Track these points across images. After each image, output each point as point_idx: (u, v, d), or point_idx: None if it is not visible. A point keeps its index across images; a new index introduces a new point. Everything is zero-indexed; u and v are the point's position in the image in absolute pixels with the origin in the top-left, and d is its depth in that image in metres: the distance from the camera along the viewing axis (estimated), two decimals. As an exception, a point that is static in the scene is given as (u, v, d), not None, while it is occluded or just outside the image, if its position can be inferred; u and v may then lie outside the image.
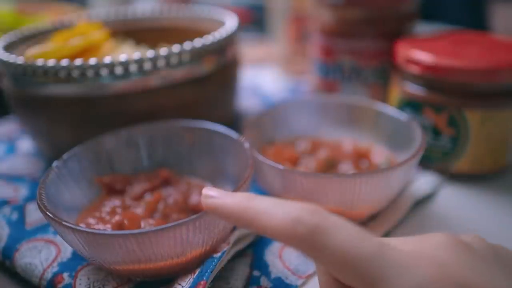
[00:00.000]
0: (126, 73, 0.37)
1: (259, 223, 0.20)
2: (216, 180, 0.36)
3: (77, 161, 0.33)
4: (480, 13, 0.78)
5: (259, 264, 0.31)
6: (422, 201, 0.38)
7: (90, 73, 0.36)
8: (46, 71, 0.37)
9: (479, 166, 0.39)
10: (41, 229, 0.34)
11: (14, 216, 0.36)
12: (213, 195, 0.23)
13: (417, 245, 0.19)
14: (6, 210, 0.36)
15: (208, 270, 0.27)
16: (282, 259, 0.31)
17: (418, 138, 0.34)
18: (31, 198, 0.38)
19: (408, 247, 0.19)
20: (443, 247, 0.19)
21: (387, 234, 0.34)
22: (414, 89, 0.40)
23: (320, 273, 0.23)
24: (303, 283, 0.29)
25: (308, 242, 0.19)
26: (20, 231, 0.34)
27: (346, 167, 0.37)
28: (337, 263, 0.18)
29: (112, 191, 0.34)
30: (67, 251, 0.32)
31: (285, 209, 0.20)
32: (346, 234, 0.18)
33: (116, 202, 0.33)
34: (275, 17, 0.66)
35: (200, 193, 0.33)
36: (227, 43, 0.43)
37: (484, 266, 0.18)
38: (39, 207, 0.27)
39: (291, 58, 0.64)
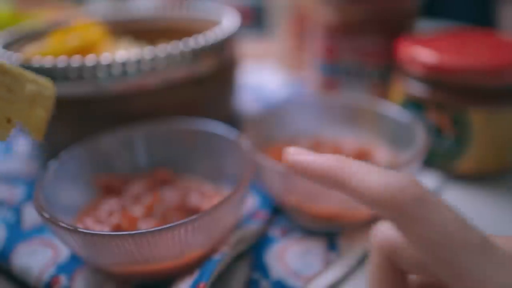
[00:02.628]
0: (125, 73, 0.37)
1: (352, 182, 0.19)
2: (215, 180, 0.36)
3: (74, 161, 0.33)
4: (486, 10, 0.78)
5: (259, 267, 0.30)
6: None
7: (88, 73, 0.36)
8: (43, 71, 0.36)
9: (483, 166, 0.39)
10: (38, 230, 0.34)
11: (11, 217, 0.35)
12: (301, 152, 0.21)
13: None
14: (3, 211, 0.36)
15: (208, 272, 0.26)
16: (283, 261, 0.31)
17: (421, 138, 0.33)
18: (27, 198, 0.38)
19: (508, 247, 0.18)
20: None
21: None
22: (417, 89, 0.39)
23: (376, 254, 0.22)
24: (304, 286, 0.29)
25: (407, 211, 0.17)
26: (16, 233, 0.33)
27: (347, 167, 0.36)
28: (433, 240, 0.17)
29: (110, 191, 0.34)
30: (64, 253, 0.31)
31: (384, 174, 0.19)
32: (451, 215, 0.17)
33: (113, 202, 0.33)
34: (275, 15, 0.66)
35: (199, 194, 0.33)
36: (226, 42, 0.43)
37: None
38: (36, 208, 0.27)
39: (292, 57, 0.64)
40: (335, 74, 0.51)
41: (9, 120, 0.24)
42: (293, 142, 0.40)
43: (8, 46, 0.45)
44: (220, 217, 0.27)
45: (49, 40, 0.45)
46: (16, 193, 0.39)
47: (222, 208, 0.26)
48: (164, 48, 0.38)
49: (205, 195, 0.34)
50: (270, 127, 0.40)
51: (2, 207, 0.37)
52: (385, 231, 0.21)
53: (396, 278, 0.21)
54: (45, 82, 0.26)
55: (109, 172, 0.35)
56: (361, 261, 0.31)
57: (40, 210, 0.26)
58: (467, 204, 0.37)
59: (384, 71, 0.48)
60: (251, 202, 0.36)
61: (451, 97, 0.38)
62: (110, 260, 0.26)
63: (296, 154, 0.21)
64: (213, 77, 0.42)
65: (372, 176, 0.19)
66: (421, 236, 0.17)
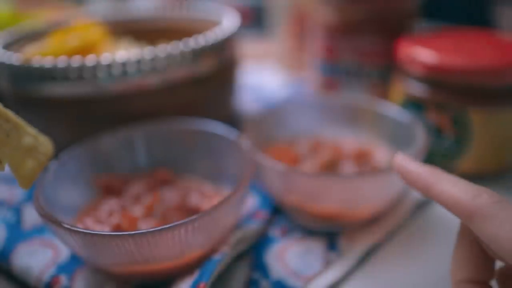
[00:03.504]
0: (125, 73, 0.37)
1: (439, 187, 0.22)
2: (215, 180, 0.36)
3: (74, 161, 0.33)
4: (484, 11, 0.78)
5: (259, 267, 0.30)
6: (425, 202, 0.37)
7: (88, 73, 0.36)
8: (43, 72, 0.36)
9: (482, 166, 0.39)
10: (38, 230, 0.34)
11: (11, 217, 0.35)
12: (406, 159, 0.26)
13: None
14: (3, 211, 0.36)
15: (208, 272, 0.26)
16: (282, 261, 0.31)
17: (421, 138, 0.33)
18: (28, 199, 0.38)
19: None
20: None
21: (390, 236, 0.34)
22: (417, 89, 0.40)
23: (462, 235, 0.24)
24: (304, 286, 0.29)
25: (485, 212, 0.20)
26: (16, 233, 0.33)
27: (347, 167, 0.36)
28: (508, 236, 0.19)
29: (110, 191, 0.34)
30: (64, 253, 0.31)
31: (466, 183, 0.22)
32: None
33: (114, 202, 0.33)
34: (275, 15, 0.66)
35: (199, 194, 0.33)
36: (226, 42, 0.43)
37: None
38: (36, 208, 0.27)
39: (292, 58, 0.64)
40: (334, 74, 0.51)
41: None
42: (293, 142, 0.40)
43: (8, 46, 0.45)
44: (220, 217, 0.27)
45: (49, 40, 0.45)
46: (16, 193, 0.39)
47: (222, 208, 0.26)
48: (164, 48, 0.38)
49: (205, 195, 0.34)
50: (270, 127, 0.40)
51: (2, 207, 0.37)
52: None
53: (480, 258, 0.23)
54: (43, 140, 0.28)
55: (109, 172, 0.35)
56: (361, 261, 0.31)
57: (40, 210, 0.26)
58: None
59: (384, 71, 0.48)
60: (251, 202, 0.36)
61: (451, 97, 0.38)
62: (110, 260, 0.26)
63: (402, 160, 0.25)
64: (213, 77, 0.42)
65: (457, 184, 0.22)
66: (497, 234, 0.19)
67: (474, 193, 0.21)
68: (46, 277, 0.29)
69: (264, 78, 0.65)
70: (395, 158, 0.26)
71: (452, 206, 0.21)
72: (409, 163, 0.25)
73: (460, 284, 0.23)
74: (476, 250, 0.23)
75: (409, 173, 0.25)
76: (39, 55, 0.42)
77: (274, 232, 0.34)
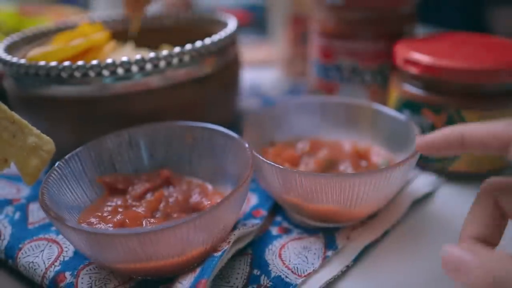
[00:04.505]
0: (128, 73, 0.37)
1: (471, 133, 0.23)
2: (216, 180, 0.36)
3: (79, 161, 0.33)
4: (479, 17, 0.79)
5: (259, 263, 0.31)
6: (421, 201, 0.38)
7: (92, 74, 0.37)
8: (48, 72, 0.37)
9: (477, 166, 0.39)
10: (44, 228, 0.34)
11: (17, 215, 0.36)
12: (425, 136, 0.26)
13: None
14: (9, 209, 0.37)
15: (209, 269, 0.27)
16: (282, 258, 0.31)
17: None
18: (33, 197, 0.38)
19: None
20: None
21: (386, 233, 0.34)
22: (413, 90, 0.40)
23: (483, 195, 0.24)
24: (303, 282, 0.30)
25: None
26: (22, 231, 0.34)
27: (345, 167, 0.37)
28: None
29: (114, 190, 0.35)
30: (69, 250, 0.32)
31: (491, 121, 0.22)
32: None
33: (117, 201, 0.33)
34: (275, 19, 0.66)
35: (201, 193, 0.34)
36: (228, 44, 0.44)
37: None
38: (42, 207, 0.27)
39: (291, 60, 0.65)
40: (332, 76, 0.51)
41: (5, 160, 0.27)
42: (292, 142, 0.41)
43: (13, 47, 0.45)
44: (221, 216, 0.27)
45: (54, 42, 0.46)
46: (23, 192, 0.39)
47: (223, 207, 0.27)
48: (166, 50, 0.38)
49: (206, 194, 0.34)
50: (270, 127, 0.40)
51: (9, 205, 0.37)
52: (496, 179, 0.24)
53: (496, 218, 0.24)
54: (46, 139, 0.29)
55: (114, 172, 0.36)
56: (359, 258, 0.32)
57: (46, 208, 0.27)
58: (462, 203, 0.37)
59: (380, 72, 0.49)
60: (251, 200, 0.37)
61: (446, 98, 0.38)
62: (114, 258, 0.27)
63: (424, 139, 0.26)
64: (215, 78, 0.43)
65: (483, 125, 0.22)
66: None
67: (506, 123, 0.21)
68: (51, 274, 0.30)
69: (264, 79, 0.66)
70: (417, 141, 0.27)
71: (486, 143, 0.22)
72: (432, 136, 0.26)
73: (468, 240, 0.24)
74: (493, 213, 0.24)
75: (436, 142, 0.25)
76: (44, 57, 0.43)
77: (274, 229, 0.34)
